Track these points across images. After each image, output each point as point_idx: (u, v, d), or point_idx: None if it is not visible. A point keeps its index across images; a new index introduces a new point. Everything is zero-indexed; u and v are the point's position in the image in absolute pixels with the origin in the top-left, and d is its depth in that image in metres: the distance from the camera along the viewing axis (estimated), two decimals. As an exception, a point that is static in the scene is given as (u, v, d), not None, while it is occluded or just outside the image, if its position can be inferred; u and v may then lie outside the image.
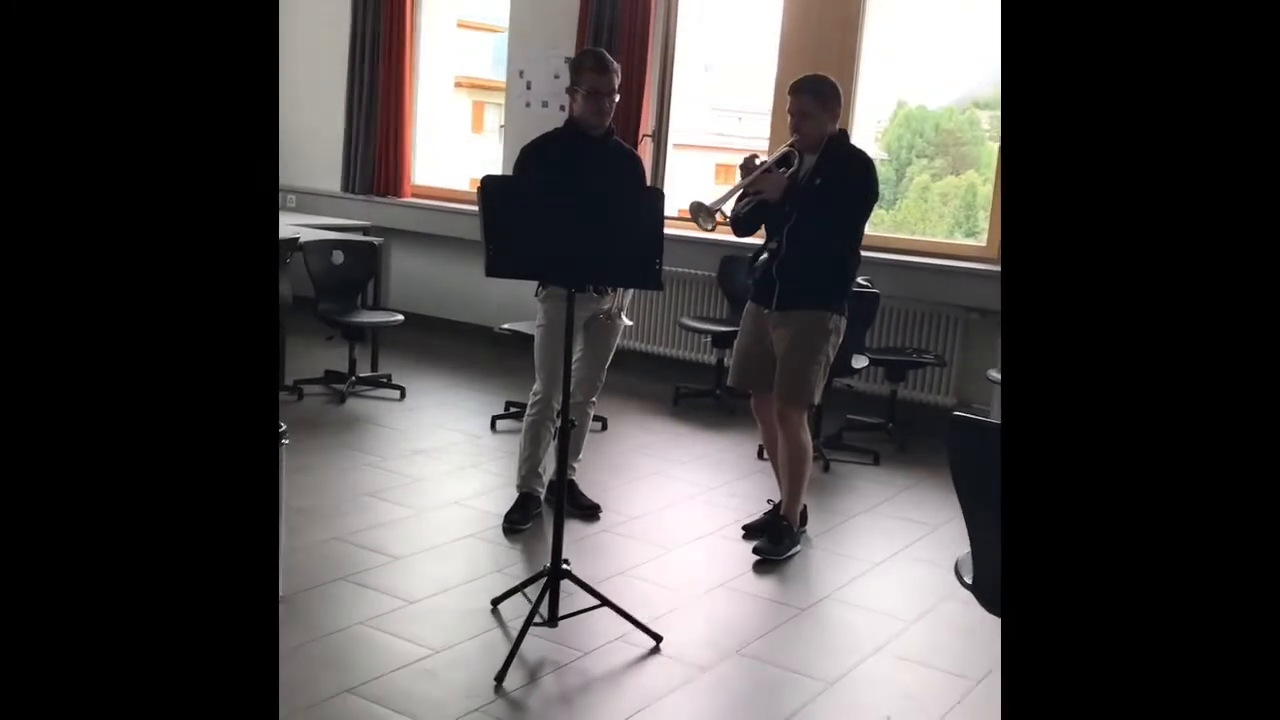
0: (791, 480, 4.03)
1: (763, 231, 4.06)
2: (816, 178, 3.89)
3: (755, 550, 3.98)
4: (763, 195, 3.90)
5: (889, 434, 5.56)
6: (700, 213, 3.87)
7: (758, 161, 3.95)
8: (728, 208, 3.99)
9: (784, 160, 3.95)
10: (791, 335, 3.91)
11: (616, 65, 3.98)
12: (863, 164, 3.91)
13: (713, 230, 4.08)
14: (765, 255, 3.99)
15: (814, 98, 3.88)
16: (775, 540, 4.00)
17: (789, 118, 3.95)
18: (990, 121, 5.73)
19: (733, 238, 4.17)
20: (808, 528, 4.18)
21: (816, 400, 4.01)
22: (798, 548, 4.06)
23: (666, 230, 3.24)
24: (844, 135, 4.00)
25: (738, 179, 3.95)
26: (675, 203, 6.54)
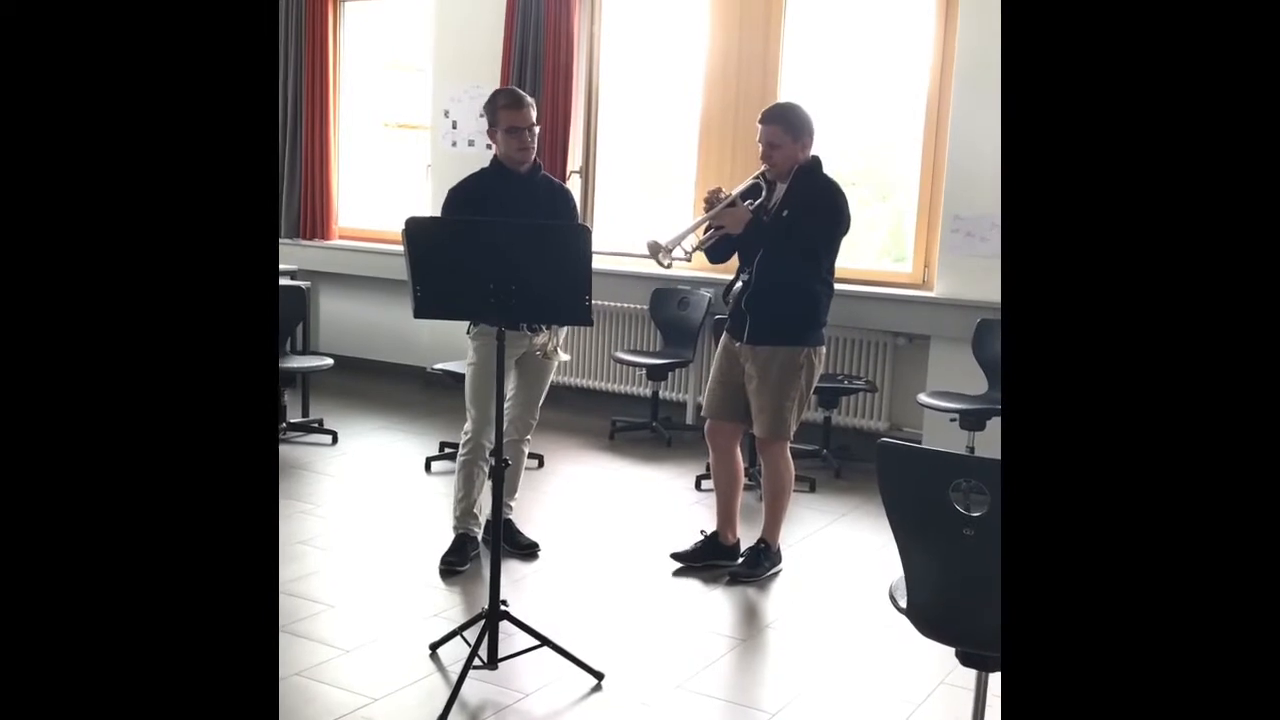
0: (771, 509, 4.11)
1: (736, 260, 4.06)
2: (784, 209, 3.87)
3: (730, 574, 4.04)
4: (725, 230, 3.89)
5: (824, 460, 5.60)
6: (658, 251, 3.87)
7: (722, 195, 3.92)
8: (688, 243, 3.97)
9: (752, 191, 3.93)
10: (762, 372, 3.90)
11: (530, 99, 3.97)
12: (832, 194, 3.88)
13: (670, 268, 4.09)
14: (739, 285, 3.97)
15: (783, 127, 3.85)
16: (752, 564, 4.06)
17: (759, 146, 3.91)
18: (914, 151, 5.83)
19: (663, 270, 4.17)
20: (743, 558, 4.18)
21: (792, 432, 4.01)
22: (779, 567, 4.13)
23: (598, 264, 3.23)
24: (816, 163, 3.94)
25: (702, 213, 3.94)
26: (609, 237, 6.56)
